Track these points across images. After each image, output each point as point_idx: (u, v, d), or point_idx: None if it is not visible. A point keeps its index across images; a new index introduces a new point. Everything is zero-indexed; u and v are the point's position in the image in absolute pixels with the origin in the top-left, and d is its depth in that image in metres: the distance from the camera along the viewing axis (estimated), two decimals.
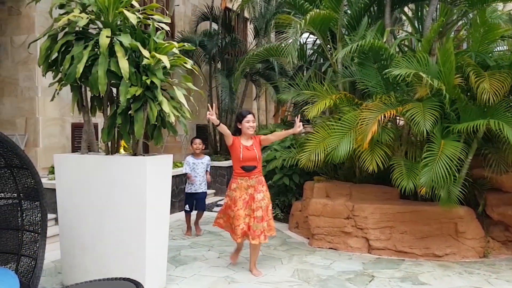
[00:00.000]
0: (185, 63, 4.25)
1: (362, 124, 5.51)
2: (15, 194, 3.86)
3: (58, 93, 4.47)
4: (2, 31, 7.47)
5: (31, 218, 3.84)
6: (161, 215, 4.35)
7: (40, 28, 7.08)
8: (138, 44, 3.99)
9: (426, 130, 5.14)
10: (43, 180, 6.45)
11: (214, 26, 11.55)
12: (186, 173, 6.49)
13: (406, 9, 7.76)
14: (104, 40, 3.82)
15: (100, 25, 4.21)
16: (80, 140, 5.09)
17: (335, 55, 6.59)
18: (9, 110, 7.51)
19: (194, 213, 6.66)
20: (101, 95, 4.33)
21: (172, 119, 4.01)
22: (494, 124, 4.97)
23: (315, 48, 8.73)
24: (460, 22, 6.98)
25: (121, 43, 3.97)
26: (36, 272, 3.64)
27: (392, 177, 5.47)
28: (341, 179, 6.72)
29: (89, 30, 4.34)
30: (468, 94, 5.73)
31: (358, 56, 6.40)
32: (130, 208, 4.11)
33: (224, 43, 11.33)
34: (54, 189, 4.57)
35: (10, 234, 3.92)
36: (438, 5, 6.40)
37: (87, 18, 3.99)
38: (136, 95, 3.94)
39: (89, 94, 4.46)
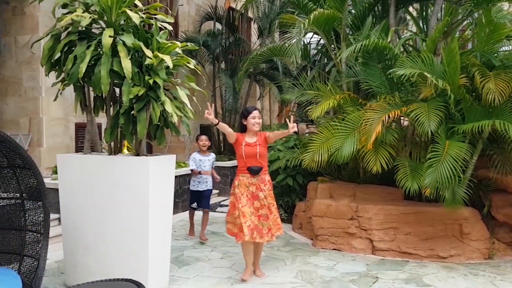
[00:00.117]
0: (188, 63, 4.23)
1: (366, 125, 5.48)
2: (18, 194, 3.85)
3: (61, 93, 4.47)
4: (6, 31, 7.49)
5: (34, 218, 3.84)
6: (164, 216, 4.33)
7: (44, 28, 7.09)
8: (141, 44, 3.98)
9: (431, 131, 5.10)
10: (47, 180, 6.48)
11: (218, 26, 11.54)
12: (192, 170, 6.36)
13: (410, 8, 7.71)
14: (107, 40, 3.81)
15: (103, 25, 4.20)
16: (83, 140, 5.09)
17: (339, 55, 6.56)
18: (13, 110, 7.52)
19: (197, 214, 6.62)
20: (103, 95, 4.33)
21: (175, 119, 4.00)
22: (500, 125, 4.93)
23: (319, 48, 8.70)
24: (465, 22, 6.93)
25: (124, 43, 3.97)
26: (39, 273, 3.63)
27: (396, 177, 5.44)
28: (345, 179, 6.69)
29: (92, 30, 4.33)
30: (473, 94, 5.69)
31: (362, 56, 6.36)
32: (133, 208, 4.10)
33: (227, 43, 11.32)
34: (58, 189, 4.56)
35: (13, 234, 3.92)
36: (443, 5, 6.35)
37: (90, 17, 3.99)
38: (139, 95, 3.93)
39: (92, 94, 4.45)
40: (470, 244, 5.44)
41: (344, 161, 5.78)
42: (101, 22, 4.21)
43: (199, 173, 6.29)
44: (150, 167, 4.06)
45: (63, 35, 4.25)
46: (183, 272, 4.95)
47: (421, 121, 5.16)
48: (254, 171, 4.63)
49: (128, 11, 3.96)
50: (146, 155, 4.37)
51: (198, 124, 11.28)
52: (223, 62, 11.67)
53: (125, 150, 6.06)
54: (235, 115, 10.90)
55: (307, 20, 5.98)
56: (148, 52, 3.92)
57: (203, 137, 6.45)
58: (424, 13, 7.00)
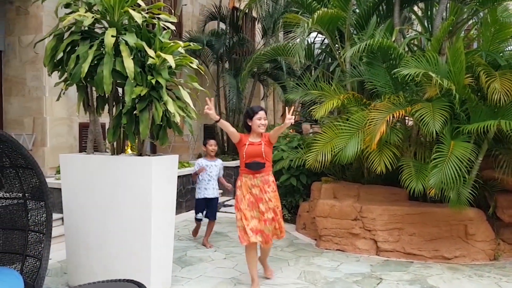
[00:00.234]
0: (191, 62, 4.21)
1: (370, 125, 5.45)
2: (21, 194, 3.85)
3: (64, 93, 4.46)
4: (10, 31, 7.50)
5: (36, 218, 3.83)
6: (167, 216, 4.32)
7: (47, 28, 7.09)
8: (144, 44, 3.96)
9: (436, 131, 5.07)
10: (51, 180, 6.49)
11: (222, 25, 11.53)
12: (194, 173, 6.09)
13: (415, 8, 7.67)
14: (109, 39, 3.80)
15: (106, 25, 4.19)
16: (87, 140, 5.08)
17: (343, 55, 6.53)
18: (17, 110, 7.53)
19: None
20: (106, 95, 4.32)
21: (178, 119, 3.98)
22: (505, 125, 4.88)
23: (323, 47, 8.67)
24: (471, 21, 6.89)
25: (126, 43, 3.95)
26: (41, 273, 3.63)
27: (401, 178, 5.40)
28: (349, 180, 6.66)
29: (95, 30, 4.32)
30: (479, 94, 5.65)
31: (366, 56, 6.33)
32: (135, 208, 4.08)
33: (231, 42, 11.31)
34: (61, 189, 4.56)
35: (16, 234, 3.92)
36: (448, 4, 6.31)
37: (93, 17, 3.97)
38: (142, 95, 3.91)
39: (95, 94, 4.44)
40: (475, 245, 5.40)
41: (348, 161, 5.75)
42: (103, 21, 4.20)
43: (196, 174, 6.00)
44: (153, 167, 4.04)
45: (66, 35, 4.25)
46: (186, 273, 4.94)
47: (426, 121, 5.13)
48: (253, 166, 4.38)
49: (131, 11, 3.95)
50: (149, 155, 4.36)
51: (201, 124, 11.28)
52: (227, 62, 11.66)
53: (128, 150, 6.06)
54: (239, 115, 10.88)
55: (311, 20, 5.96)
56: (150, 52, 3.91)
57: (212, 142, 6.15)
58: (429, 13, 6.96)
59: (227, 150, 11.35)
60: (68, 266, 4.53)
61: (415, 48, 7.42)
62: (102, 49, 4.02)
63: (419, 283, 4.68)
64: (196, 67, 4.26)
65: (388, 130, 5.44)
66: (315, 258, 5.50)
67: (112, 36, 3.84)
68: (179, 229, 6.87)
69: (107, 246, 4.22)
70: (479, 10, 6.03)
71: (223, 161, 6.37)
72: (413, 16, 8.25)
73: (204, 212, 6.08)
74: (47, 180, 5.68)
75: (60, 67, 4.31)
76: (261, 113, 4.47)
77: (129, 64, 3.80)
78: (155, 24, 4.27)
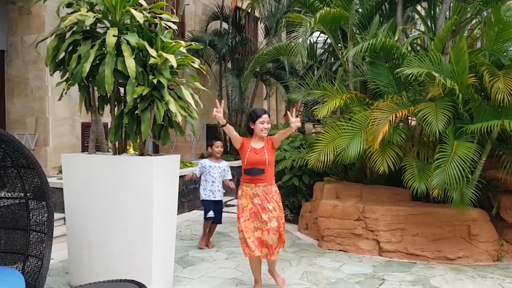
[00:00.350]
0: (193, 62, 4.20)
1: (373, 124, 5.43)
2: (22, 194, 3.84)
3: (65, 92, 4.47)
4: (13, 31, 7.50)
5: (38, 218, 3.82)
6: (168, 216, 4.31)
7: (50, 28, 7.08)
8: (145, 43, 3.96)
9: (439, 131, 5.04)
10: (53, 180, 6.49)
11: (225, 25, 11.51)
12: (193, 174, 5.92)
13: (418, 7, 7.65)
14: (110, 39, 3.79)
15: (108, 24, 4.19)
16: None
17: (346, 54, 6.51)
18: (19, 110, 7.54)
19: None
20: (108, 95, 4.32)
21: (179, 119, 3.97)
22: (509, 125, 4.85)
23: (326, 47, 8.65)
24: (474, 21, 6.85)
25: (128, 42, 3.95)
26: (42, 273, 3.62)
27: (404, 178, 5.38)
28: (351, 180, 6.64)
29: (97, 29, 4.32)
30: (482, 94, 5.62)
31: (369, 55, 6.30)
32: (137, 208, 4.08)
33: (234, 42, 11.30)
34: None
35: (18, 234, 3.91)
36: (452, 3, 6.28)
37: (94, 17, 3.97)
38: (143, 94, 3.91)
39: (97, 93, 4.44)
40: (479, 246, 5.37)
41: (351, 161, 5.73)
42: (105, 21, 4.20)
43: (192, 176, 5.88)
44: (154, 167, 4.04)
45: (68, 34, 4.25)
46: (187, 273, 4.93)
47: (429, 121, 5.10)
48: (253, 172, 4.20)
49: (132, 10, 3.94)
50: (150, 155, 4.35)
51: (204, 124, 11.27)
52: (229, 61, 11.65)
53: (131, 150, 6.05)
54: (241, 115, 10.87)
55: (313, 19, 5.93)
56: (152, 52, 3.90)
57: (219, 143, 5.94)
58: (432, 12, 6.93)
59: (230, 150, 11.34)
60: (70, 265, 4.52)
61: (418, 48, 7.39)
62: (103, 48, 4.01)
63: (421, 284, 4.66)
64: (198, 67, 4.25)
65: (391, 130, 5.41)
66: (317, 259, 5.48)
67: (114, 35, 3.84)
68: (181, 229, 6.86)
69: (108, 246, 4.22)
70: (482, 9, 5.99)
71: (225, 161, 6.24)
72: (416, 16, 8.23)
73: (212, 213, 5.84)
74: (50, 180, 5.71)
75: (62, 66, 4.31)
76: (265, 117, 4.29)
77: (130, 64, 3.80)
78: (157, 23, 4.26)
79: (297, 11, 8.03)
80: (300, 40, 6.09)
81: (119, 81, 4.15)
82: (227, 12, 11.39)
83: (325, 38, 8.46)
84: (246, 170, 4.25)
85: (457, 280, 4.76)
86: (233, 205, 8.75)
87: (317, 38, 9.06)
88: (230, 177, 5.99)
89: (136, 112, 4.03)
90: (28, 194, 3.83)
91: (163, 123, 4.09)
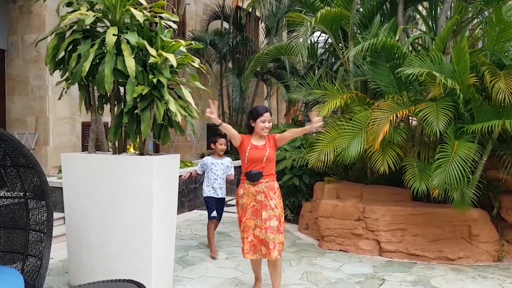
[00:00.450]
0: (193, 61, 4.19)
1: (373, 124, 5.42)
2: (22, 193, 3.84)
3: (65, 92, 4.45)
4: (13, 30, 7.50)
5: (37, 217, 3.82)
6: (168, 215, 4.30)
7: (50, 27, 7.07)
8: (145, 43, 3.95)
9: (440, 131, 5.03)
10: (53, 179, 6.49)
11: (225, 25, 11.50)
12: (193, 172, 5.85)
13: (419, 7, 7.63)
14: (110, 38, 3.78)
15: (107, 23, 4.17)
16: None
17: (347, 54, 6.50)
18: (20, 109, 7.53)
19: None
20: (108, 94, 4.31)
21: (179, 118, 3.95)
22: (510, 125, 4.84)
23: (327, 47, 8.64)
24: (475, 20, 6.84)
25: (128, 41, 3.94)
26: (41, 272, 3.62)
27: (404, 178, 5.37)
28: (352, 180, 6.63)
29: (97, 28, 4.31)
30: (483, 93, 5.61)
31: (370, 55, 6.29)
32: (136, 208, 4.07)
33: (235, 42, 11.29)
34: None
35: (17, 233, 3.91)
36: (453, 3, 6.27)
37: (94, 16, 3.96)
38: (143, 94, 3.90)
39: (96, 93, 4.43)
40: (479, 246, 5.36)
41: (351, 161, 5.72)
42: (105, 20, 4.19)
43: (188, 176, 5.85)
44: (154, 166, 4.03)
45: (68, 33, 4.23)
46: (187, 272, 4.92)
47: (430, 121, 5.09)
48: (252, 176, 4.07)
49: (132, 9, 3.93)
50: (150, 155, 4.34)
51: (204, 123, 11.25)
52: (230, 61, 11.65)
53: (131, 150, 6.04)
54: (242, 114, 10.86)
55: (314, 19, 5.92)
56: (152, 51, 3.89)
57: (223, 140, 5.78)
58: (433, 12, 6.92)
59: (230, 149, 11.32)
60: (70, 265, 4.52)
61: (419, 48, 7.38)
62: (103, 48, 4.00)
63: (422, 284, 4.65)
64: (197, 66, 4.23)
65: (392, 130, 5.40)
66: (317, 259, 5.47)
67: (114, 34, 3.83)
68: (181, 228, 6.85)
69: (108, 246, 4.21)
70: (483, 9, 5.99)
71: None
72: (417, 15, 8.22)
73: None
74: (50, 179, 5.71)
75: (61, 66, 4.30)
76: (266, 115, 4.11)
77: (130, 63, 3.79)
78: (157, 22, 4.25)
79: (298, 10, 8.02)
80: (301, 39, 6.08)
81: (119, 80, 4.14)
82: (228, 12, 11.39)
83: (326, 38, 8.46)
84: (246, 174, 4.13)
85: (457, 281, 4.75)
86: (233, 205, 8.73)
87: (318, 37, 9.05)
88: (232, 172, 5.86)
89: (136, 111, 4.02)
90: (27, 194, 3.83)
91: (163, 122, 4.08)
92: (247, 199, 4.12)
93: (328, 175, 6.68)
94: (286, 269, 5.07)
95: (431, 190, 5.12)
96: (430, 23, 6.98)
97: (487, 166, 5.55)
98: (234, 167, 5.90)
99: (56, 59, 4.23)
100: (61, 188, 4.75)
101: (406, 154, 5.76)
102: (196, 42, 4.46)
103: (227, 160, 5.80)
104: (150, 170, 4.02)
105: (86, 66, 3.80)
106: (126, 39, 3.96)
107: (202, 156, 10.80)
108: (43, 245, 3.72)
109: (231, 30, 11.31)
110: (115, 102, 4.45)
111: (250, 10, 10.77)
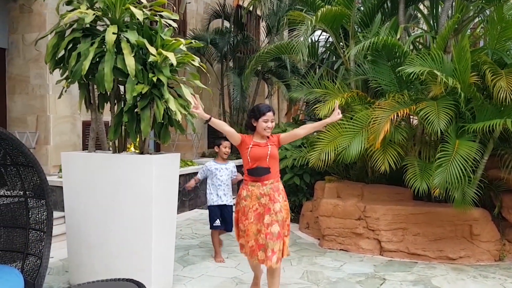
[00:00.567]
0: (193, 60, 4.18)
1: (374, 123, 5.41)
2: (22, 192, 3.84)
3: (65, 90, 4.44)
4: (14, 29, 7.49)
5: (37, 216, 3.81)
6: (168, 215, 4.29)
7: (51, 26, 6.98)
8: (145, 41, 3.94)
9: (441, 130, 5.02)
10: (54, 178, 6.48)
11: (226, 24, 11.49)
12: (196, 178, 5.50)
13: (421, 5, 7.61)
14: (110, 37, 3.78)
15: (107, 22, 4.17)
16: None
17: (348, 53, 6.48)
18: (20, 108, 7.53)
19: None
20: (107, 93, 4.30)
21: (179, 117, 3.94)
22: (511, 124, 4.82)
23: (327, 45, 8.62)
24: (477, 19, 6.82)
25: (127, 40, 3.93)
26: (41, 271, 3.61)
27: (405, 177, 5.36)
28: (352, 179, 6.62)
29: (97, 27, 4.30)
30: (484, 92, 5.59)
31: (371, 54, 6.27)
32: (136, 207, 4.06)
33: (236, 41, 11.27)
34: None
35: (17, 232, 3.91)
36: (454, 2, 6.25)
37: (94, 14, 3.95)
38: (143, 92, 3.89)
39: (96, 92, 4.42)
40: (480, 246, 5.34)
41: (352, 160, 5.71)
42: (105, 19, 4.18)
43: (195, 184, 5.49)
44: (154, 165, 4.02)
45: (68, 32, 4.23)
46: (187, 272, 4.91)
47: (431, 120, 5.08)
48: (257, 172, 3.81)
49: (132, 8, 3.92)
50: (150, 154, 4.34)
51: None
52: (231, 60, 11.63)
53: (132, 148, 6.03)
54: (243, 113, 10.85)
55: (314, 17, 5.91)
56: (152, 49, 3.88)
57: (227, 143, 5.32)
58: (434, 10, 6.89)
59: (231, 150, 11.32)
60: (70, 264, 4.51)
61: (420, 46, 7.36)
62: (103, 46, 3.99)
63: (423, 283, 4.64)
64: (197, 65, 4.22)
65: (392, 129, 5.39)
66: (318, 258, 5.46)
67: (113, 33, 3.82)
68: (181, 228, 6.84)
69: (108, 245, 4.20)
70: (485, 7, 5.97)
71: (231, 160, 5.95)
72: (419, 14, 8.19)
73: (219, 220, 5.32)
74: (50, 178, 5.70)
75: (61, 64, 4.29)
76: (269, 115, 3.86)
77: (130, 62, 3.78)
78: (157, 21, 4.24)
79: (299, 9, 8.01)
80: (302, 38, 6.06)
81: (119, 79, 4.13)
82: (228, 11, 11.37)
83: (327, 37, 8.43)
84: (250, 170, 3.86)
85: (458, 280, 4.73)
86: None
87: (319, 36, 9.03)
88: (238, 174, 5.53)
89: (135, 110, 4.01)
90: (27, 193, 3.82)
91: (163, 121, 4.07)
92: (249, 202, 3.86)
93: (329, 174, 6.68)
94: (287, 268, 5.06)
95: (432, 189, 5.10)
96: (431, 21, 6.95)
97: (488, 165, 5.53)
98: (236, 166, 5.76)
99: (56, 58, 4.23)
100: (61, 187, 4.75)
101: (407, 153, 5.74)
102: (196, 41, 4.45)
103: (231, 165, 5.48)
104: (150, 169, 4.01)
105: (86, 64, 3.79)
106: (126, 37, 3.95)
107: (203, 155, 10.80)
108: (43, 244, 3.72)
109: (232, 29, 11.29)
110: (115, 101, 4.45)
111: (251, 9, 10.75)
